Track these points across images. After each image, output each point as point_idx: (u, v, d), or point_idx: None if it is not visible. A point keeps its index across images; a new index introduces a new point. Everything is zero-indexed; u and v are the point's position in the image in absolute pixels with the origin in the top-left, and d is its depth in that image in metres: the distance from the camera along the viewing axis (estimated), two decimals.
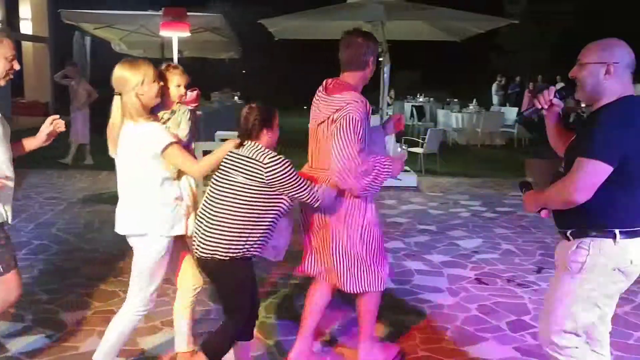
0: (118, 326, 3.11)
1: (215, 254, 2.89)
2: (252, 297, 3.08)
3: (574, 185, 2.29)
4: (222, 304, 3.15)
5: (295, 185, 2.92)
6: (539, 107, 2.63)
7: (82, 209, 7.33)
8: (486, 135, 14.39)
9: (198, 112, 10.72)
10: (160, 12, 9.74)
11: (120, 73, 2.93)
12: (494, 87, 21.04)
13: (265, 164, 2.85)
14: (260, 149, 2.93)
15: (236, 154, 2.97)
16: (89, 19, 10.84)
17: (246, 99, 17.03)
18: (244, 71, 26.45)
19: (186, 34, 9.69)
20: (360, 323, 3.50)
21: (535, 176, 9.78)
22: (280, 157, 2.91)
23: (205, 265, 3.00)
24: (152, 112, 3.06)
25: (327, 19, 9.53)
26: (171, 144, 2.90)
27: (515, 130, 14.41)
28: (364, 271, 3.29)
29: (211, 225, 2.90)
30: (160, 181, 2.98)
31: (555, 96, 2.61)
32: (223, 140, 8.08)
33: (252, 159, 2.89)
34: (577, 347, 2.49)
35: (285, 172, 2.88)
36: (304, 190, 2.95)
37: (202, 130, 10.87)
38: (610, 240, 2.36)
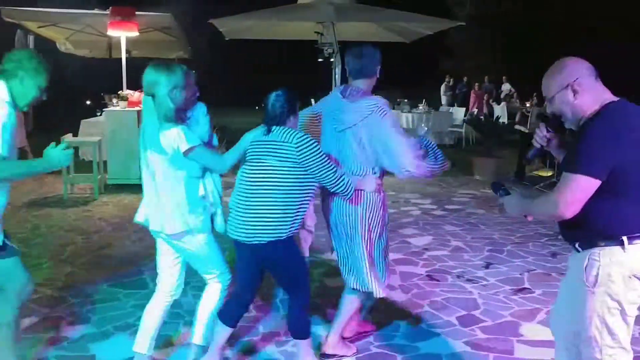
0: (211, 306, 3.32)
1: (264, 237, 3.05)
2: (306, 270, 3.33)
3: (561, 201, 2.29)
4: (284, 283, 3.34)
5: (324, 165, 3.09)
6: (539, 146, 2.67)
7: (28, 213, 7.10)
8: (435, 135, 14.66)
9: None
10: (107, 12, 9.54)
11: (155, 76, 3.02)
12: (443, 87, 21.46)
13: (295, 144, 3.04)
14: (288, 131, 3.10)
15: (264, 140, 3.12)
16: (32, 17, 10.47)
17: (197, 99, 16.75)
18: (193, 71, 26.07)
19: (134, 33, 9.53)
20: (337, 319, 3.64)
21: (482, 174, 10.05)
22: (308, 136, 3.09)
23: (254, 251, 3.12)
24: (180, 114, 3.14)
25: (278, 19, 9.52)
26: (193, 147, 3.01)
27: (463, 130, 14.75)
28: (372, 270, 3.44)
29: (254, 212, 3.06)
30: (188, 180, 3.10)
31: (547, 130, 2.64)
32: None
33: (282, 141, 3.07)
34: None
35: (314, 150, 3.06)
36: (331, 170, 3.13)
37: None
38: (618, 248, 2.31)
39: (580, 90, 2.36)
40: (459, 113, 16.06)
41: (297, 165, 3.04)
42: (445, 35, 23.98)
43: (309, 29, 9.05)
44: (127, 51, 10.02)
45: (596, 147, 2.26)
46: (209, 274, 3.32)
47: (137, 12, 9.49)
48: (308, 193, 3.15)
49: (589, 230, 2.37)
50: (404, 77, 27.08)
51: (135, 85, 9.78)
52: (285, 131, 3.09)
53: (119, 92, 9.35)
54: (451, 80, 21.82)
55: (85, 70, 15.53)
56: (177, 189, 3.09)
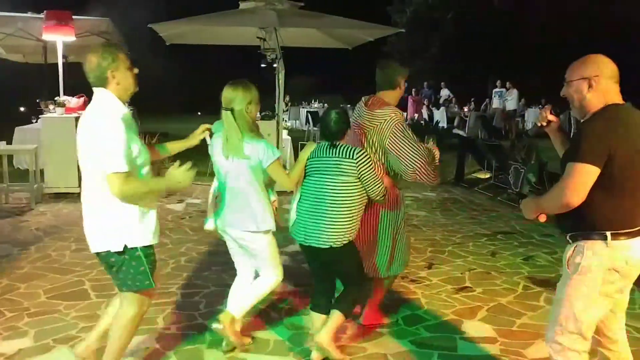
0: (259, 291, 3.61)
1: (332, 243, 3.40)
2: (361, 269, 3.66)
3: (567, 189, 2.46)
4: (348, 280, 3.61)
5: (376, 178, 3.45)
6: (539, 125, 2.90)
7: None
8: None
9: None
10: (42, 15, 9.24)
11: (234, 93, 3.39)
12: None
13: (355, 159, 3.39)
14: (348, 148, 3.44)
15: (326, 157, 3.46)
16: None
17: (135, 105, 16.41)
18: None
19: (71, 38, 9.25)
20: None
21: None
22: (365, 152, 3.46)
23: (319, 254, 3.49)
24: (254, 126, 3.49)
25: (220, 24, 9.46)
26: (276, 160, 3.40)
27: None
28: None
29: (320, 221, 3.41)
30: (265, 187, 3.50)
31: (551, 113, 2.87)
32: None
33: (344, 157, 3.41)
34: (578, 354, 2.59)
35: (371, 166, 3.42)
36: (381, 184, 3.49)
37: None
38: (602, 242, 2.50)
39: (595, 86, 2.55)
40: None
41: (357, 179, 3.40)
42: (386, 41, 24.42)
43: (252, 34, 9.03)
44: (64, 56, 9.73)
45: (592, 139, 2.46)
46: (270, 267, 3.60)
47: (73, 17, 9.23)
48: (363, 202, 3.49)
49: (578, 223, 2.55)
50: (346, 82, 27.40)
51: (72, 91, 9.49)
52: (345, 148, 3.43)
53: (55, 98, 9.06)
54: None
55: (19, 75, 14.99)
56: (259, 192, 3.45)
